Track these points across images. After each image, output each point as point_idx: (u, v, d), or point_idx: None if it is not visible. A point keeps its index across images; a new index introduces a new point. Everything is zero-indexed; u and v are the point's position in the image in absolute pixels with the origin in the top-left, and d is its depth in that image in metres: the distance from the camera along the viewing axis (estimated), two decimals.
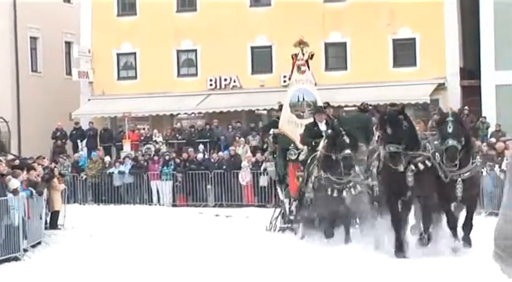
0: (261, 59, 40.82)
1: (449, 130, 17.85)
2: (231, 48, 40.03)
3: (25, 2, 44.03)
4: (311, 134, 21.47)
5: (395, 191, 18.54)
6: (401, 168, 17.96)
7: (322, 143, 20.68)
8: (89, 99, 42.82)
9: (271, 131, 24.21)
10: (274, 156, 24.61)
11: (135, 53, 42.72)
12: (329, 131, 20.43)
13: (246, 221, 27.52)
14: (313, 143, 21.19)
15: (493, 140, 31.67)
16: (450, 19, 39.19)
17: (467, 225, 18.87)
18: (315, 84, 23.57)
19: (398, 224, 18.47)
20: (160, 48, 41.26)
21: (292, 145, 22.68)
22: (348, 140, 19.64)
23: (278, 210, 23.79)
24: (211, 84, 41.26)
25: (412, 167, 18.15)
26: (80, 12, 43.45)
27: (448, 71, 37.96)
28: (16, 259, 19.95)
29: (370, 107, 23.98)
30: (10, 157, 25.54)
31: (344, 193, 20.07)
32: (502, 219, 2.75)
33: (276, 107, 27.02)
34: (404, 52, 38.95)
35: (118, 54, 42.96)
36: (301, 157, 21.94)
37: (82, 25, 43.25)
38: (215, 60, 40.48)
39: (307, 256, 17.85)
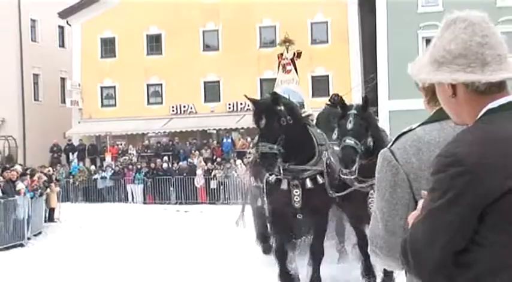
0: (211, 91, 40.81)
1: (349, 126, 10.21)
2: (188, 83, 40.00)
3: (29, 46, 43.72)
4: None
5: (281, 212, 10.89)
6: (276, 177, 10.64)
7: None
8: (79, 122, 42.49)
9: None
10: None
11: (114, 87, 42.49)
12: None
13: (200, 215, 27.44)
14: None
15: None
16: (354, 61, 39.58)
17: None
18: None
19: (282, 255, 10.88)
20: (134, 83, 41.10)
21: None
22: None
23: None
24: (173, 110, 41.15)
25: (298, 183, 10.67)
26: (72, 54, 43.24)
27: (354, 100, 38.02)
28: (22, 245, 19.72)
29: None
30: (17, 167, 25.17)
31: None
32: (373, 219, 2.75)
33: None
34: (320, 85, 39.06)
35: (101, 87, 42.69)
36: None
37: (73, 65, 42.99)
38: (176, 92, 40.45)
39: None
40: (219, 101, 40.80)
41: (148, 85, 42.06)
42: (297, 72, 15.42)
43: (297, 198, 10.63)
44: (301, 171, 10.67)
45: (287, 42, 15.86)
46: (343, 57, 39.05)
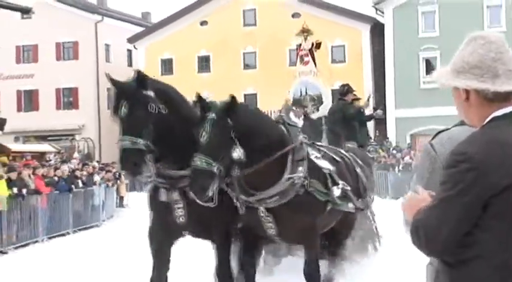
0: (250, 102, 40.70)
1: (202, 139, 5.71)
2: None
3: (104, 65, 44.12)
4: None
5: (163, 229, 7.05)
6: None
7: None
8: None
9: None
10: None
11: None
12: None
13: None
14: None
15: (394, 152, 31.65)
16: (366, 76, 39.40)
17: (308, 275, 6.51)
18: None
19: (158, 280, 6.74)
20: (187, 96, 41.16)
21: None
22: None
23: None
24: None
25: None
26: None
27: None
28: (97, 226, 19.91)
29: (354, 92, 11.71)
30: (95, 163, 25.42)
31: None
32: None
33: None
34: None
35: None
36: None
37: None
38: None
39: None
40: None
41: None
42: (315, 63, 12.18)
43: (180, 212, 6.54)
44: (181, 177, 6.27)
45: (305, 32, 12.41)
46: (357, 74, 38.86)
